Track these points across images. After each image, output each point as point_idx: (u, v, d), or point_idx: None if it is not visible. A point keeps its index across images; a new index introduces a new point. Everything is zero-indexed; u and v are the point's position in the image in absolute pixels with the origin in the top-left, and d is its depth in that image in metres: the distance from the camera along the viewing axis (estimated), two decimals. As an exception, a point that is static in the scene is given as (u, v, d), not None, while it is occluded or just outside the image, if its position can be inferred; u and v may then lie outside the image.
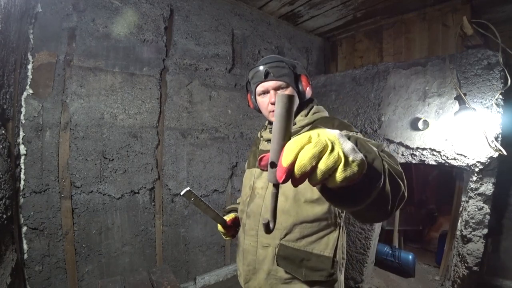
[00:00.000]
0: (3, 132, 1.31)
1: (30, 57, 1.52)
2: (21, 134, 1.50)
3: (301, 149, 0.34)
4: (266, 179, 0.90)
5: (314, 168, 0.34)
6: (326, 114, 0.98)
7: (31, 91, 1.53)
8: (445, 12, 2.29)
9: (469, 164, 1.79)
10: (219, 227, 1.03)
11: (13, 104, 1.42)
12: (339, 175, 0.34)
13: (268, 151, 0.88)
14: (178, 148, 2.11)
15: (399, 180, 0.51)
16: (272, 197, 0.43)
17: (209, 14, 2.23)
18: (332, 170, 0.34)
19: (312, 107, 0.98)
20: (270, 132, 0.97)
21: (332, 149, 0.34)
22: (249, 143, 2.51)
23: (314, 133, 0.36)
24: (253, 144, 1.15)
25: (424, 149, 1.99)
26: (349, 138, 0.46)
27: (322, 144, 0.34)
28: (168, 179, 2.06)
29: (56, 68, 1.60)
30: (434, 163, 1.97)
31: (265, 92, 0.92)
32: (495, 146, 1.67)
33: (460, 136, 1.82)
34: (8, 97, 1.33)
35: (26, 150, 1.52)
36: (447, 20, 2.28)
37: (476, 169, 1.76)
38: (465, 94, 1.76)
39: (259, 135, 1.08)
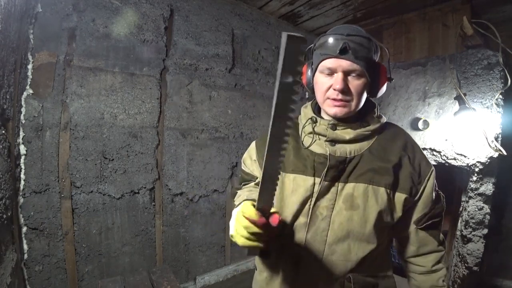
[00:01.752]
0: (3, 132, 1.31)
1: (30, 57, 1.52)
2: (21, 134, 1.50)
3: None
4: (333, 196, 0.70)
5: None
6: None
7: (31, 91, 1.53)
8: (445, 12, 2.29)
9: (469, 164, 1.79)
10: (248, 209, 0.54)
11: (13, 104, 1.42)
12: None
13: (342, 160, 0.69)
14: (178, 148, 2.11)
15: None
16: None
17: (209, 14, 2.23)
18: None
19: (376, 106, 0.79)
20: (333, 128, 0.73)
21: None
22: (249, 143, 2.50)
23: None
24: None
25: (424, 149, 1.99)
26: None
27: None
28: (168, 179, 2.06)
29: (56, 68, 1.60)
30: (434, 163, 1.97)
31: (332, 71, 0.68)
32: (495, 146, 1.67)
33: (460, 136, 1.82)
34: (8, 97, 1.33)
35: (26, 150, 1.52)
36: (447, 20, 2.28)
37: (476, 169, 1.76)
38: (465, 94, 1.76)
39: (310, 128, 0.76)
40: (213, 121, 2.29)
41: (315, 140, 0.76)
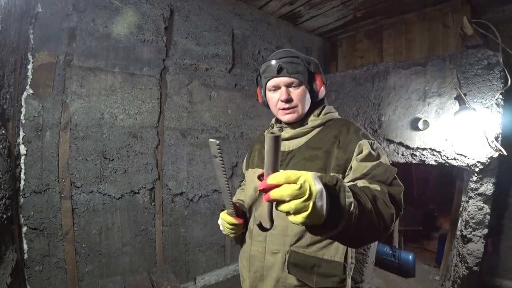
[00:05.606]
0: (3, 132, 1.31)
1: (30, 57, 1.52)
2: (21, 134, 1.50)
3: (286, 181, 0.43)
4: None
5: (287, 201, 0.43)
6: (337, 114, 0.97)
7: (31, 91, 1.53)
8: (445, 12, 2.29)
9: (469, 164, 1.79)
10: (226, 217, 0.89)
11: (13, 104, 1.42)
12: (299, 219, 0.44)
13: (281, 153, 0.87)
14: (178, 148, 2.11)
15: (382, 220, 0.61)
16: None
17: (209, 14, 2.24)
18: (298, 212, 0.44)
19: (324, 106, 0.96)
20: (280, 130, 0.95)
21: (307, 199, 0.43)
22: (249, 143, 2.51)
23: (302, 177, 0.44)
24: (255, 142, 1.11)
25: (424, 149, 1.99)
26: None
27: (303, 191, 0.43)
28: (168, 179, 2.06)
29: (56, 68, 1.60)
30: (434, 163, 1.97)
31: (276, 88, 0.88)
32: (495, 146, 1.67)
33: (460, 136, 1.82)
34: (8, 97, 1.33)
35: (26, 150, 1.52)
36: (447, 20, 2.28)
37: (476, 169, 1.76)
38: (465, 94, 1.76)
39: (266, 133, 1.00)
40: (213, 121, 2.29)
41: None
